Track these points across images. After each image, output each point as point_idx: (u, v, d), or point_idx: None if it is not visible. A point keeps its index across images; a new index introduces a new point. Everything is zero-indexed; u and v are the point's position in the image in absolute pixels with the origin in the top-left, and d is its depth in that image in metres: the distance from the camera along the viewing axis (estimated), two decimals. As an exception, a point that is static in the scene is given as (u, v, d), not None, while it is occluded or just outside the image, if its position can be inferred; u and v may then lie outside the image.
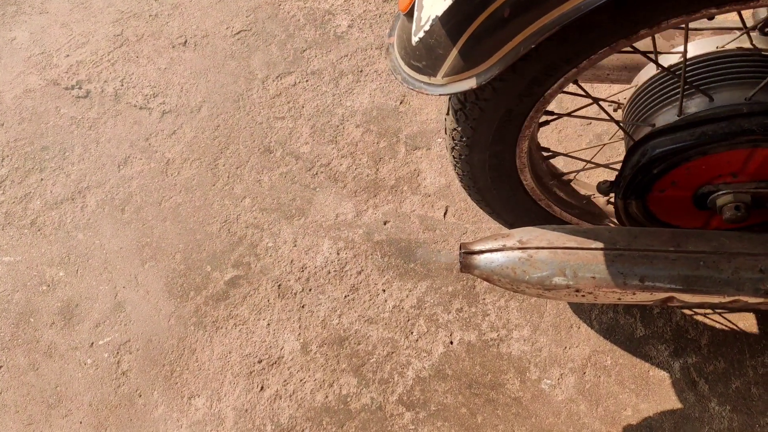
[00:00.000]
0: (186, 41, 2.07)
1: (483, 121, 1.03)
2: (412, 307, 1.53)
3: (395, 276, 1.57)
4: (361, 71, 1.94)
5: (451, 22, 0.85)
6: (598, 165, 1.27)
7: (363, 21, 2.05)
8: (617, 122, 1.12)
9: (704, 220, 1.17)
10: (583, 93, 1.09)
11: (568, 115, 1.19)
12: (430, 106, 1.85)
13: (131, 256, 1.67)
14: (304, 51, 2.00)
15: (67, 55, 2.07)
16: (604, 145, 1.62)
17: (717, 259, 0.99)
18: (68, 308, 1.61)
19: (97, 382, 1.51)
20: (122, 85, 1.99)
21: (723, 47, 1.09)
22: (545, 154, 1.27)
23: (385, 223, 1.66)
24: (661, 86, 1.11)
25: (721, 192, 1.06)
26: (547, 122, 1.22)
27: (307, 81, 1.93)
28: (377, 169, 1.75)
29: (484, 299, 1.52)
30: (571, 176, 1.34)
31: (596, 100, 1.09)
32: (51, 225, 1.74)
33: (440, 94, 0.91)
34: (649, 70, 1.16)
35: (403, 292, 1.55)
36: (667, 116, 1.07)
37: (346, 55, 1.98)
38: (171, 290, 1.61)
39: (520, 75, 0.93)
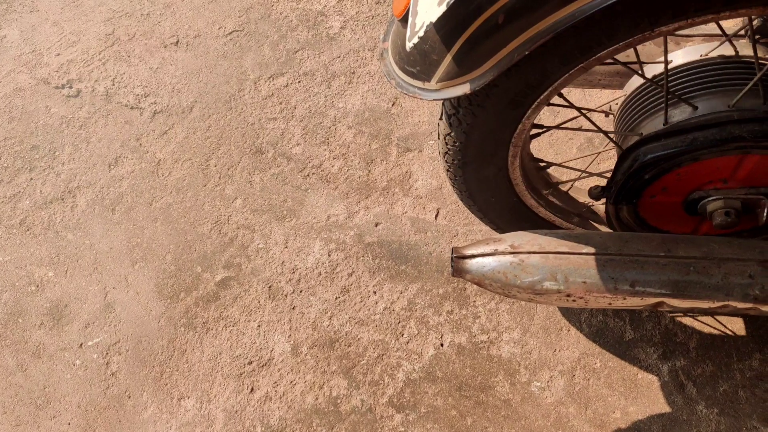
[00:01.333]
0: (178, 41, 2.06)
1: (476, 125, 1.03)
2: (403, 309, 1.53)
3: (386, 278, 1.58)
4: (353, 73, 1.94)
5: (445, 27, 0.85)
6: (591, 174, 1.28)
7: (356, 23, 2.05)
8: (605, 132, 1.13)
9: (694, 225, 1.18)
10: (567, 104, 1.11)
11: (557, 127, 1.20)
12: (422, 108, 1.85)
13: (121, 257, 1.66)
14: (296, 52, 2.00)
15: (58, 54, 2.06)
16: (598, 153, 1.63)
17: (707, 265, 1.00)
18: (57, 309, 1.60)
19: (86, 383, 1.51)
20: (113, 85, 1.98)
21: (706, 55, 1.10)
22: (540, 164, 1.28)
23: (376, 225, 1.66)
24: (647, 95, 1.11)
25: (711, 198, 1.07)
26: (537, 134, 1.23)
27: (299, 82, 1.93)
28: (369, 171, 1.75)
29: (474, 302, 1.52)
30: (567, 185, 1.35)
31: (582, 111, 1.10)
32: (40, 225, 1.73)
33: (434, 99, 0.91)
34: (637, 79, 1.17)
35: (394, 294, 1.55)
36: (653, 125, 1.08)
37: (339, 57, 1.98)
38: (161, 291, 1.61)
39: (513, 81, 0.93)
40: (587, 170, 1.29)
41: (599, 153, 1.62)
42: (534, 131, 1.19)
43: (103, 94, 1.96)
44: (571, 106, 1.11)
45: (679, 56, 1.13)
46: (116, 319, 1.58)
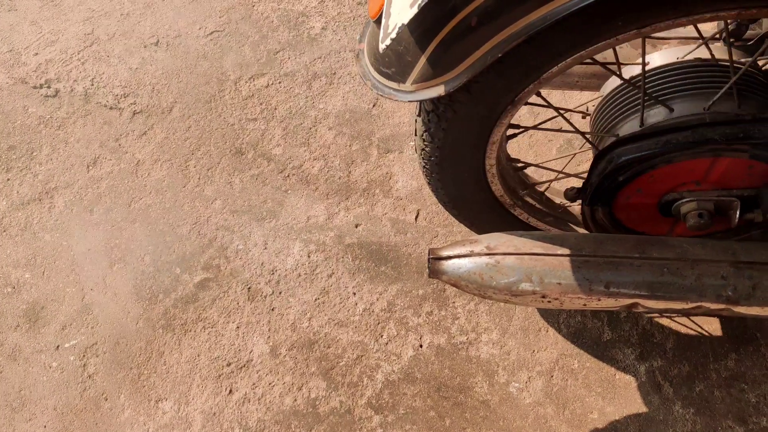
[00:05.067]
0: (158, 41, 2.05)
1: (453, 126, 1.03)
2: (383, 311, 1.53)
3: (366, 279, 1.58)
4: (334, 74, 1.93)
5: (418, 29, 0.85)
6: (569, 175, 1.29)
7: (337, 23, 2.05)
8: (582, 133, 1.14)
9: (669, 227, 1.19)
10: (545, 104, 1.11)
11: (535, 128, 1.21)
12: (403, 109, 1.85)
13: (99, 258, 1.65)
14: (277, 53, 1.99)
15: (36, 54, 2.04)
16: (575, 154, 1.64)
17: (680, 266, 1.01)
18: (34, 310, 1.59)
19: (63, 385, 1.49)
20: (92, 85, 1.96)
21: (683, 58, 1.11)
22: (517, 165, 1.28)
23: (356, 226, 1.66)
24: (625, 97, 1.12)
25: (684, 200, 1.08)
26: (514, 135, 1.24)
27: (280, 83, 1.93)
28: (349, 172, 1.75)
29: (453, 303, 1.52)
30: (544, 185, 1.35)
31: (559, 111, 1.11)
32: (17, 226, 1.71)
33: (409, 101, 0.91)
34: (615, 80, 1.18)
35: (374, 296, 1.55)
36: (630, 126, 1.09)
37: (320, 57, 1.97)
38: (139, 292, 1.60)
39: (487, 84, 0.94)
40: (564, 171, 1.29)
41: (575, 154, 1.63)
42: (511, 131, 1.19)
43: (81, 94, 1.94)
44: (549, 105, 1.12)
45: (656, 59, 1.14)
46: (94, 321, 1.56)
